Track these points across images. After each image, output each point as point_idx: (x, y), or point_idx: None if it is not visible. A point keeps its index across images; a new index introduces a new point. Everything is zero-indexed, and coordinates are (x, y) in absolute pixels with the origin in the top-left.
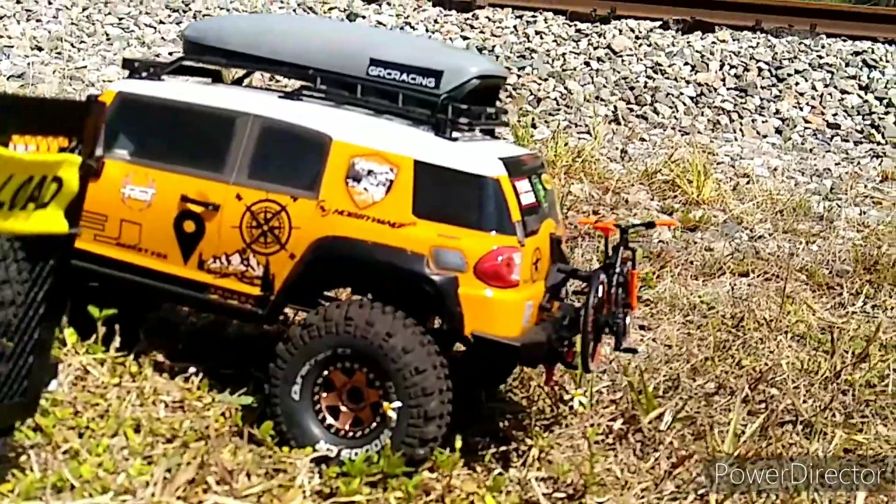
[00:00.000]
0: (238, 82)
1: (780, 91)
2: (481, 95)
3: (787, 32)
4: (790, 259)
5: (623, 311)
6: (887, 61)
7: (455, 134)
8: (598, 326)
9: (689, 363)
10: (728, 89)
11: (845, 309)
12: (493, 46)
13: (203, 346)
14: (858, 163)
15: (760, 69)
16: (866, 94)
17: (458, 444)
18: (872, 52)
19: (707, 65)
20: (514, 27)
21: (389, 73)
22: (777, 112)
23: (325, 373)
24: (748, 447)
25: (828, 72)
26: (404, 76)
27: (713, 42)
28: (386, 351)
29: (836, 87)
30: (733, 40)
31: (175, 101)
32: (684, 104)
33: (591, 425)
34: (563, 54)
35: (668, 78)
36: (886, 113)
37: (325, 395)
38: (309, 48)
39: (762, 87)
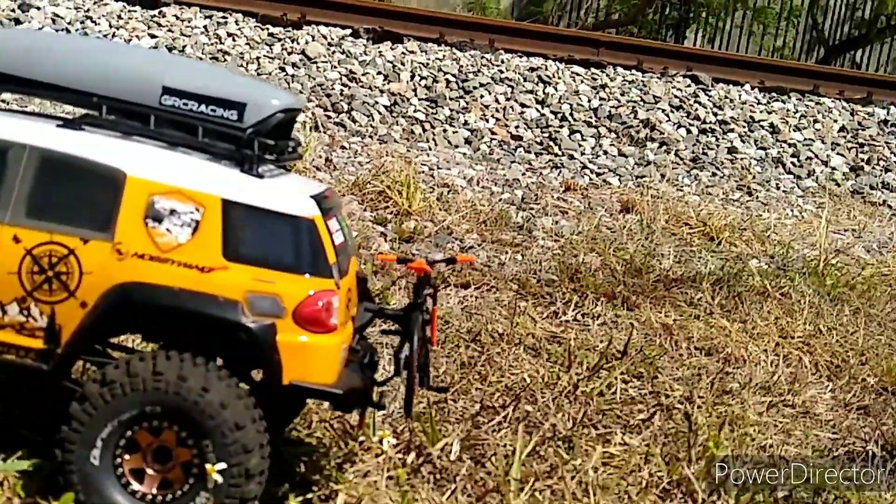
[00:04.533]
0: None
1: (468, 103)
2: (282, 129)
3: (469, 47)
4: (500, 269)
5: (426, 347)
6: (559, 78)
7: (260, 170)
8: (421, 367)
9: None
10: (420, 100)
11: (559, 318)
12: (184, 47)
13: None
14: (541, 173)
15: (448, 81)
16: (543, 108)
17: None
18: (546, 68)
19: (399, 75)
20: (205, 27)
21: (185, 104)
22: (466, 123)
23: (129, 433)
24: (527, 471)
25: (508, 86)
26: (202, 107)
27: (403, 53)
28: (203, 407)
29: (516, 101)
30: (421, 52)
31: None
32: (380, 113)
33: (390, 460)
34: (258, 58)
35: (363, 86)
36: (561, 126)
37: (127, 457)
38: (91, 72)
39: (451, 99)
